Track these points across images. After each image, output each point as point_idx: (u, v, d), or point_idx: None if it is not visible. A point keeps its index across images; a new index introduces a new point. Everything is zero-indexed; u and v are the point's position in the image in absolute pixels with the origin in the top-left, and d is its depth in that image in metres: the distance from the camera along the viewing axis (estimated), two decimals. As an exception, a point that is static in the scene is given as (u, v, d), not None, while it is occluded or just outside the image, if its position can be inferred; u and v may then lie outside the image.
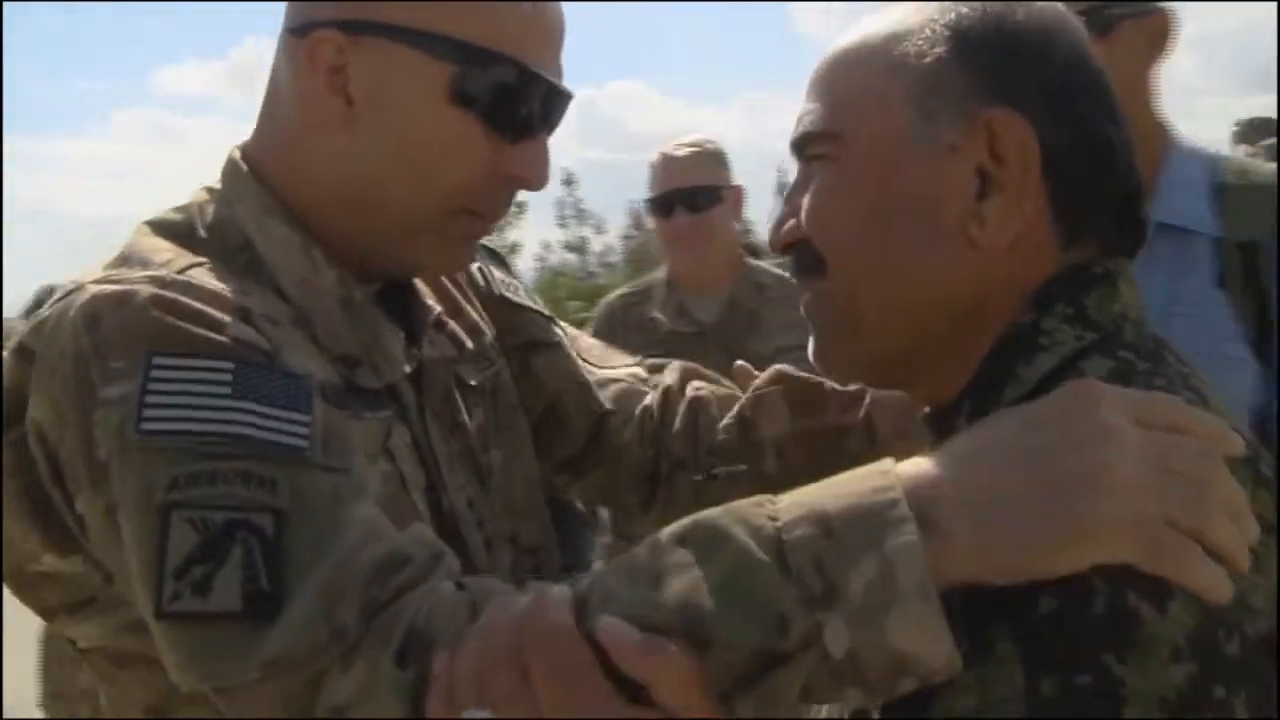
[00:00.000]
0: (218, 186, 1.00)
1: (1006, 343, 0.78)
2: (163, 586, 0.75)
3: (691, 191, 2.61)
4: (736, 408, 1.19)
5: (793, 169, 0.88)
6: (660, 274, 2.80)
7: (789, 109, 0.87)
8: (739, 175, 2.73)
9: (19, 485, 0.85)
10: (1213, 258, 1.51)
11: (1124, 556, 0.61)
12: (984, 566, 0.62)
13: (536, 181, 0.97)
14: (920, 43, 0.80)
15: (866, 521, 0.62)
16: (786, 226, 0.85)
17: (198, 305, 0.84)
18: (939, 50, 0.79)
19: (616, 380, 1.24)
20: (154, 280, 0.85)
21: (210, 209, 0.97)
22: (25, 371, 0.85)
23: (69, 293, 0.87)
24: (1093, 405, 0.65)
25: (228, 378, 0.81)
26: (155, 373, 0.79)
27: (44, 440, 0.84)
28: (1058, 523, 0.61)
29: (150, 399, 0.78)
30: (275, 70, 0.99)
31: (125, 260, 0.91)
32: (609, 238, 22.48)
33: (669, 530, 0.68)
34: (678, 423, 1.21)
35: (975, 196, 0.77)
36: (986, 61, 0.78)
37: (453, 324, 1.10)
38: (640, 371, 1.28)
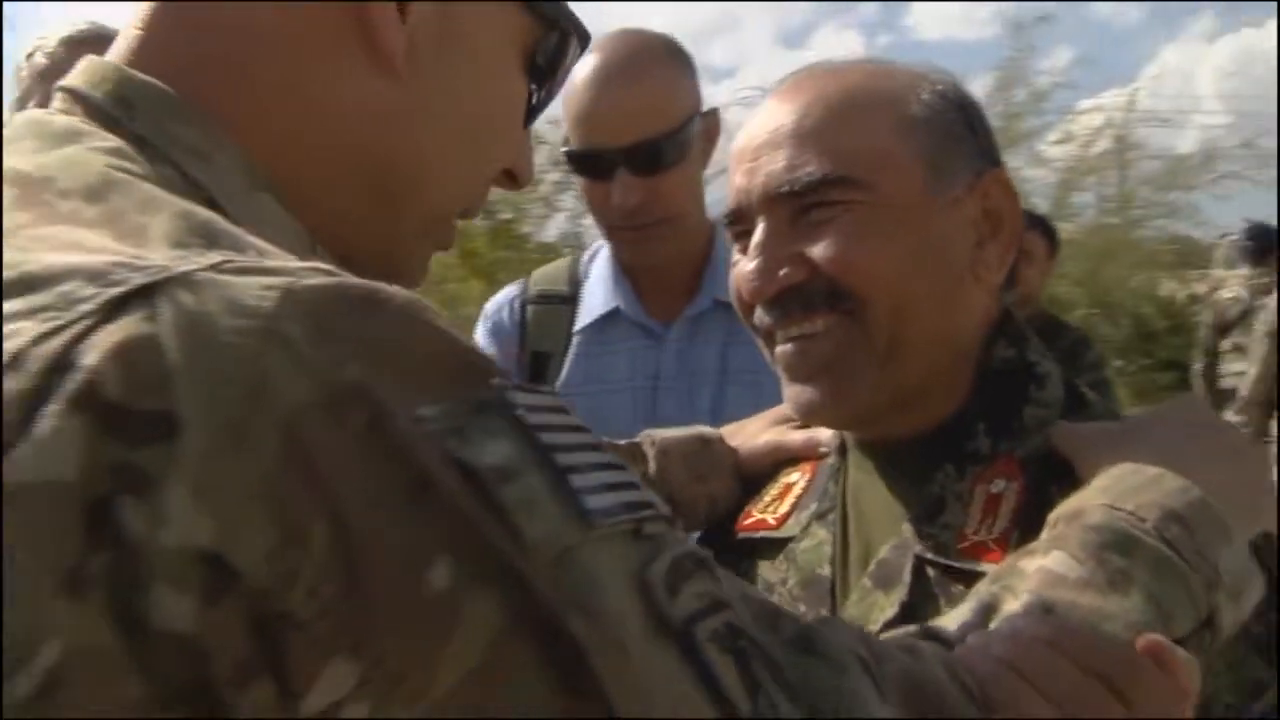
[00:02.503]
0: (87, 125, 0.59)
1: (1003, 372, 0.93)
2: None
3: None
4: None
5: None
6: None
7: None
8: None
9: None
10: None
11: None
12: None
13: (526, 177, 0.77)
14: (924, 107, 0.90)
15: (1208, 518, 0.76)
16: (783, 272, 0.89)
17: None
18: (950, 116, 0.91)
19: None
20: (325, 272, 0.50)
21: (124, 162, 0.56)
22: (100, 450, 0.42)
23: (149, 290, 0.45)
24: (1214, 414, 0.92)
25: (579, 419, 0.56)
26: (529, 416, 0.52)
27: (233, 581, 0.43)
28: (1267, 515, 0.81)
29: (561, 458, 0.52)
30: None
31: (210, 238, 0.51)
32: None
33: (1084, 532, 0.75)
34: None
35: (974, 243, 0.92)
36: (981, 128, 0.94)
37: None
38: None
